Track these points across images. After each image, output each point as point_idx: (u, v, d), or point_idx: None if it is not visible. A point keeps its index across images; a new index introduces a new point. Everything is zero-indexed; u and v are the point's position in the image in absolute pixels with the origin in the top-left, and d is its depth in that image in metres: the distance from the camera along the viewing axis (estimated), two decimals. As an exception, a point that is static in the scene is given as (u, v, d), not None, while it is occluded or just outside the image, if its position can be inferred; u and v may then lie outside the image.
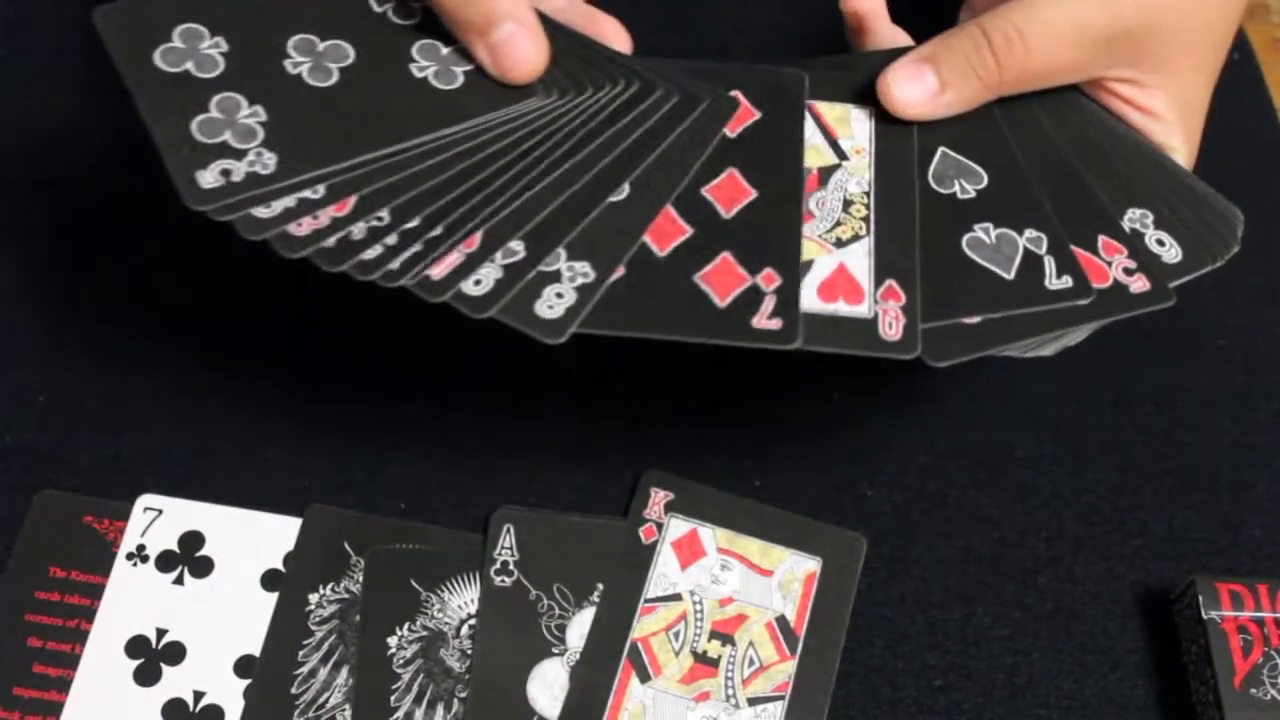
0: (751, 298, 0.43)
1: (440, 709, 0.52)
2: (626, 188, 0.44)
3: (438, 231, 0.43)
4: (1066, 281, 0.45)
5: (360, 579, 0.54)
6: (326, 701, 0.52)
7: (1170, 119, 0.49)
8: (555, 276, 0.43)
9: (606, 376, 0.60)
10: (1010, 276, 0.45)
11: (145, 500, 0.55)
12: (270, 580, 0.54)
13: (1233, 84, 0.70)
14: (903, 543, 0.57)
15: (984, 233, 0.45)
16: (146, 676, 0.52)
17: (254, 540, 0.55)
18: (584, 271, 0.43)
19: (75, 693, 0.51)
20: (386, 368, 0.60)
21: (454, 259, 0.43)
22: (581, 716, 0.52)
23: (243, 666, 0.52)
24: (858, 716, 0.53)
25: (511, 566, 0.54)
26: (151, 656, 0.52)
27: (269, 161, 0.43)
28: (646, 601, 0.54)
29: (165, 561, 0.54)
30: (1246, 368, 0.62)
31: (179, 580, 0.54)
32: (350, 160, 0.43)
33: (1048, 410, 0.60)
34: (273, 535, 0.55)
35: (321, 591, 0.54)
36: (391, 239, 0.42)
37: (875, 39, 0.52)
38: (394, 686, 0.52)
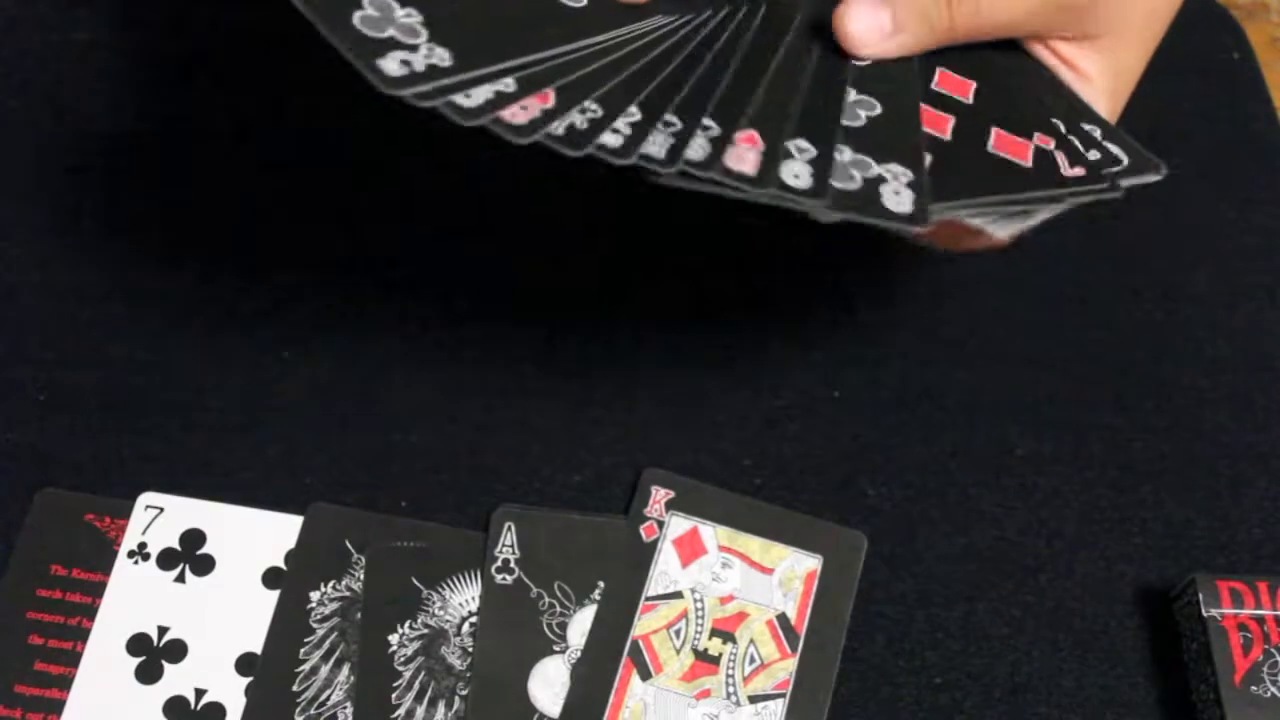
0: (1045, 157, 0.46)
1: (441, 707, 0.52)
2: (871, 96, 0.47)
3: (708, 121, 0.44)
4: (1079, 171, 0.46)
5: (361, 577, 0.54)
6: (328, 699, 0.52)
7: (1100, 85, 0.49)
8: (880, 178, 0.44)
9: (607, 375, 0.60)
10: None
11: (146, 498, 0.55)
12: (272, 578, 0.54)
13: (1233, 84, 0.71)
14: (903, 541, 0.57)
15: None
16: (148, 674, 0.52)
17: (255, 538, 0.55)
18: (897, 171, 0.45)
19: (77, 690, 0.52)
20: (387, 366, 0.60)
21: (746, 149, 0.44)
22: (583, 714, 0.52)
23: (244, 664, 0.52)
24: (858, 714, 0.53)
25: (513, 564, 0.54)
26: (153, 654, 0.52)
27: (444, 55, 0.43)
28: (647, 599, 0.54)
29: (167, 559, 0.54)
30: (1246, 368, 0.62)
31: (180, 578, 0.54)
32: (517, 60, 0.44)
33: (1048, 409, 0.60)
34: (274, 533, 0.55)
35: (323, 589, 0.54)
36: (621, 124, 0.43)
37: None
38: (395, 684, 0.52)
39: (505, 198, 0.64)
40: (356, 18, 0.43)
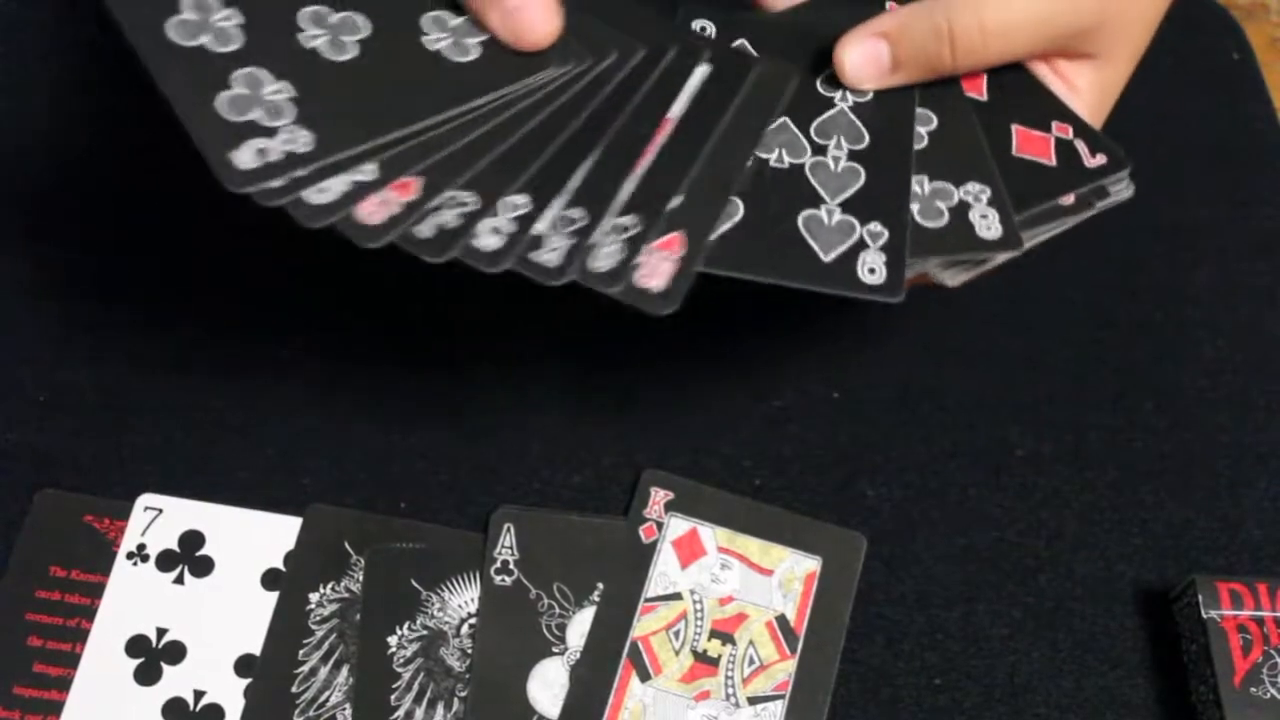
0: (1066, 148, 0.46)
1: (440, 708, 0.52)
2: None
3: (560, 209, 0.41)
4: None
5: (360, 578, 0.54)
6: (327, 700, 0.52)
7: (1088, 97, 0.50)
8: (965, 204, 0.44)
9: (606, 376, 0.60)
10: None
11: (146, 499, 0.55)
12: (271, 579, 0.54)
13: (1233, 84, 0.71)
14: (902, 542, 0.57)
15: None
16: (147, 675, 0.52)
17: (254, 539, 0.55)
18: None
19: (76, 692, 0.51)
20: (387, 367, 0.60)
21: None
22: (582, 715, 0.52)
23: (243, 665, 0.52)
24: (858, 715, 0.53)
25: (512, 566, 0.54)
26: (152, 655, 0.52)
27: (304, 139, 0.40)
28: (647, 600, 0.54)
29: (166, 561, 0.54)
30: (1246, 368, 0.62)
31: (179, 579, 0.54)
32: (389, 136, 0.41)
33: (1048, 409, 0.60)
34: (273, 534, 0.55)
35: (322, 591, 0.54)
36: (501, 221, 0.41)
37: None
38: (394, 685, 0.52)
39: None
40: (221, 99, 0.40)
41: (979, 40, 0.46)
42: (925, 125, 0.47)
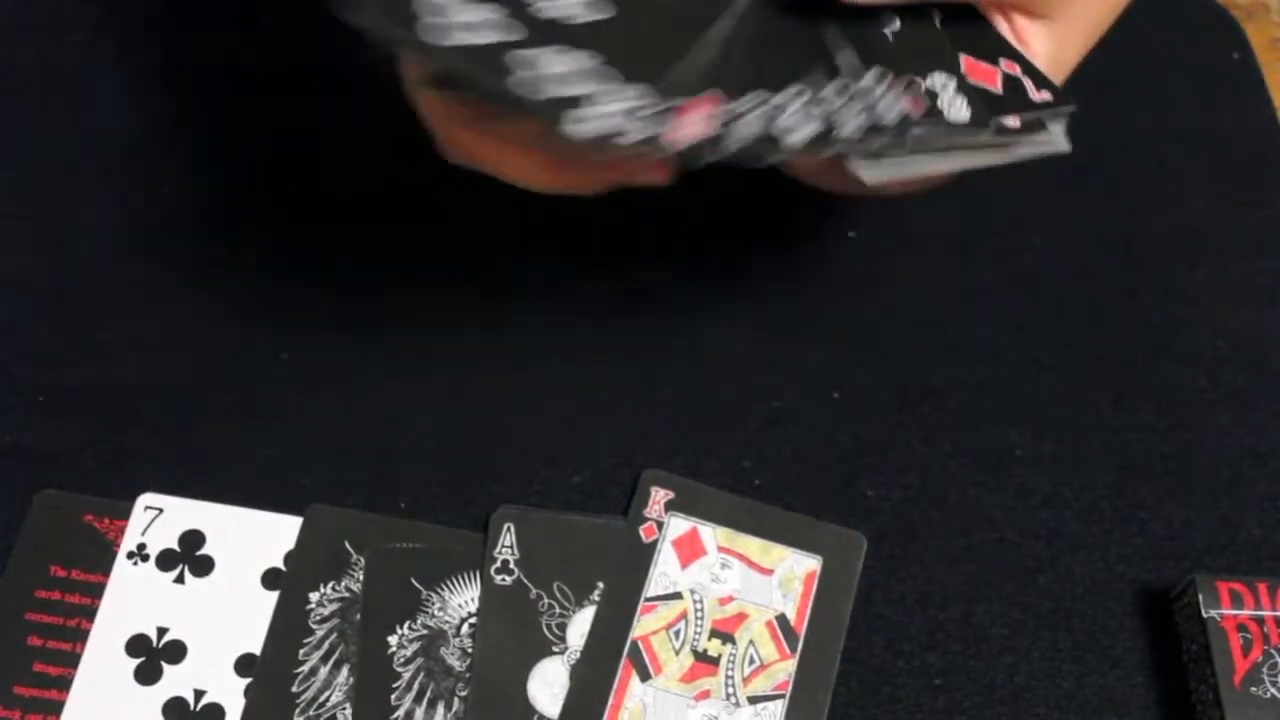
0: (1013, 83, 0.46)
1: (441, 708, 0.52)
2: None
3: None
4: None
5: (361, 578, 0.54)
6: (327, 700, 0.52)
7: (1041, 62, 0.50)
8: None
9: (607, 376, 0.60)
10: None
11: (146, 499, 0.55)
12: (271, 579, 0.54)
13: (1233, 84, 0.71)
14: (903, 541, 0.57)
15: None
16: (147, 675, 0.52)
17: (254, 539, 0.55)
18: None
19: (76, 691, 0.51)
20: (387, 366, 0.60)
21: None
22: (582, 715, 0.52)
23: (243, 665, 0.52)
24: (857, 715, 0.53)
25: (512, 565, 0.54)
26: (152, 655, 0.52)
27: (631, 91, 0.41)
28: (647, 600, 0.54)
29: (166, 560, 0.54)
30: (1246, 368, 0.62)
31: (179, 579, 0.54)
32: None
33: (1047, 409, 0.60)
34: (273, 534, 0.55)
35: (322, 590, 0.54)
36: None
37: None
38: (394, 685, 0.52)
39: (505, 198, 0.63)
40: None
41: None
42: (889, 27, 0.47)
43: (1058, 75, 0.50)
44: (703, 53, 0.43)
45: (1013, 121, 0.46)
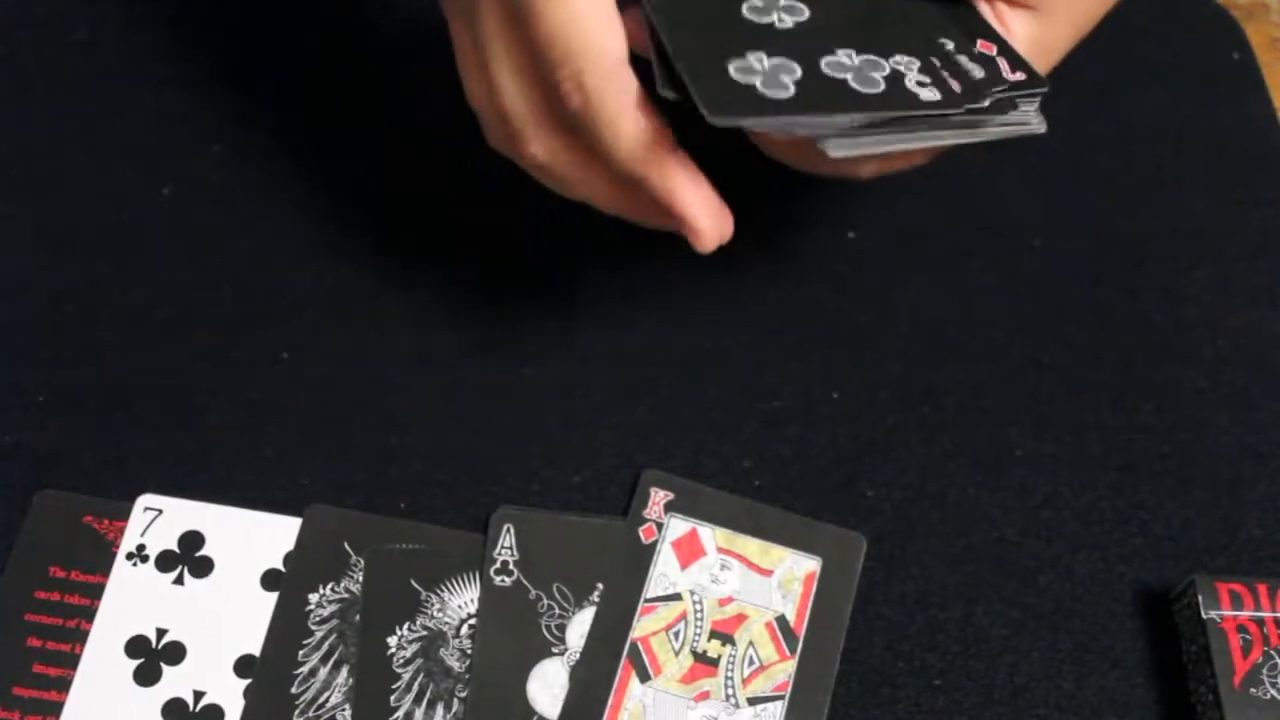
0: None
1: (440, 709, 0.52)
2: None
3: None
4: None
5: (360, 579, 0.54)
6: (326, 701, 0.52)
7: (1024, 48, 0.50)
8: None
9: (606, 376, 0.60)
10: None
11: (145, 500, 0.55)
12: (270, 580, 0.54)
13: (1233, 84, 0.71)
14: (902, 542, 0.57)
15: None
16: (146, 676, 0.52)
17: (254, 540, 0.55)
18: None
19: (75, 692, 0.51)
20: (386, 368, 0.60)
21: None
22: (581, 716, 0.52)
23: (243, 666, 0.52)
24: (857, 716, 0.53)
25: (511, 566, 0.54)
26: (151, 656, 0.52)
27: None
28: (646, 601, 0.54)
29: (165, 561, 0.54)
30: (1246, 368, 0.62)
31: (179, 580, 0.54)
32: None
33: (1047, 409, 0.60)
34: (273, 535, 0.55)
35: (321, 591, 0.54)
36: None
37: None
38: (394, 686, 0.52)
39: (505, 199, 0.63)
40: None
41: None
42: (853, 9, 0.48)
43: (1042, 63, 0.50)
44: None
45: (982, 102, 0.46)
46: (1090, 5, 0.50)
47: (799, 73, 0.43)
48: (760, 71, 0.43)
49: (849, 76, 0.44)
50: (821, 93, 0.43)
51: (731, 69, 0.43)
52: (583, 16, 0.43)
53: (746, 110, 0.42)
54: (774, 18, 0.46)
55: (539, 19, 0.43)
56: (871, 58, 0.44)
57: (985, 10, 0.50)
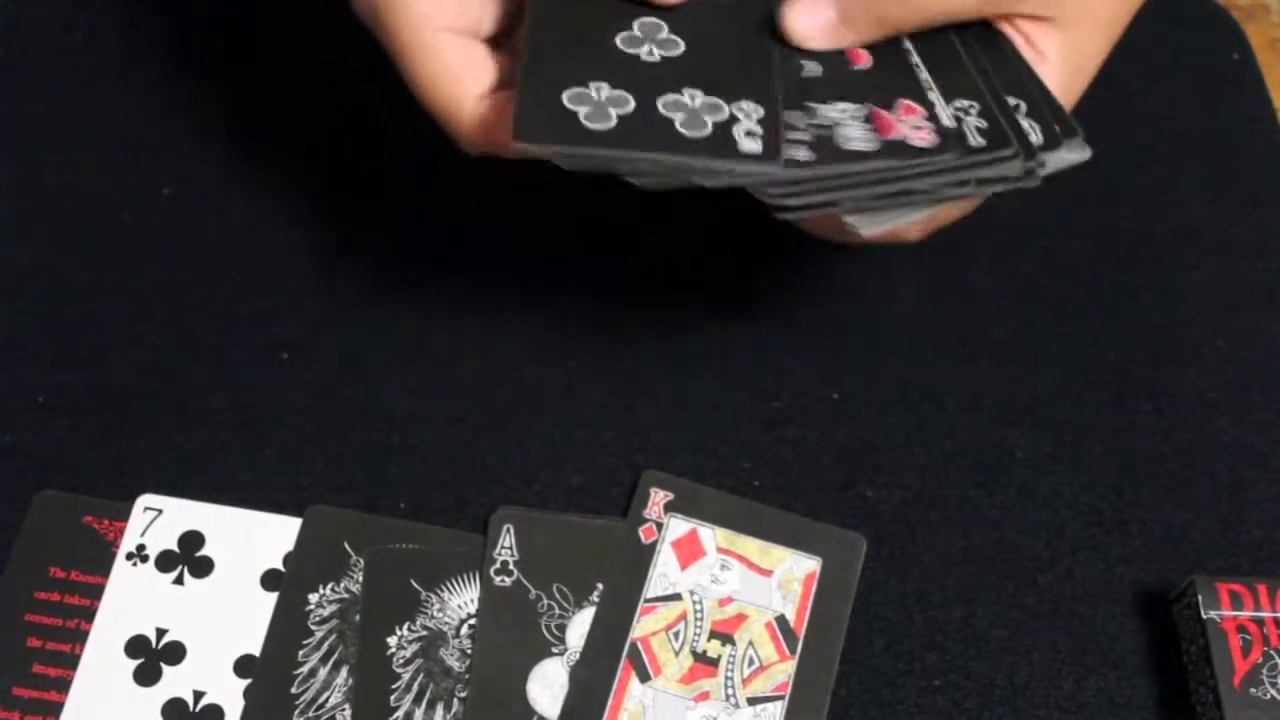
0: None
1: (440, 709, 0.52)
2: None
3: None
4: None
5: (360, 579, 0.54)
6: (326, 701, 0.52)
7: (1057, 67, 0.49)
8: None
9: (606, 377, 0.60)
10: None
11: (145, 500, 0.55)
12: (270, 580, 0.54)
13: (1233, 84, 0.71)
14: (902, 543, 0.57)
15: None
16: (146, 676, 0.52)
17: (254, 540, 0.55)
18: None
19: (75, 693, 0.51)
20: (386, 368, 0.60)
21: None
22: (581, 716, 0.52)
23: (243, 666, 0.52)
24: (857, 716, 0.53)
25: (511, 566, 0.54)
26: (151, 656, 0.52)
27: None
28: (646, 601, 0.54)
29: (165, 561, 0.54)
30: (1246, 368, 0.62)
31: (179, 580, 0.54)
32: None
33: (1047, 410, 0.60)
34: (272, 535, 0.55)
35: (321, 591, 0.54)
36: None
37: None
38: (394, 686, 0.52)
39: (505, 198, 0.64)
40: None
41: None
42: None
43: (1078, 77, 0.50)
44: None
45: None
46: (1119, 11, 0.50)
47: (631, 107, 0.44)
48: (592, 101, 0.44)
49: (679, 117, 0.44)
50: (641, 131, 0.43)
51: (565, 96, 0.44)
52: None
53: (555, 138, 0.43)
54: (644, 49, 0.46)
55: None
56: (715, 101, 0.44)
57: (1016, 39, 0.49)
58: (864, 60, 0.48)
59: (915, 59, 0.48)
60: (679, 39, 0.47)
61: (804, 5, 0.47)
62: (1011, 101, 0.47)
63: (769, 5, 0.48)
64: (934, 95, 0.47)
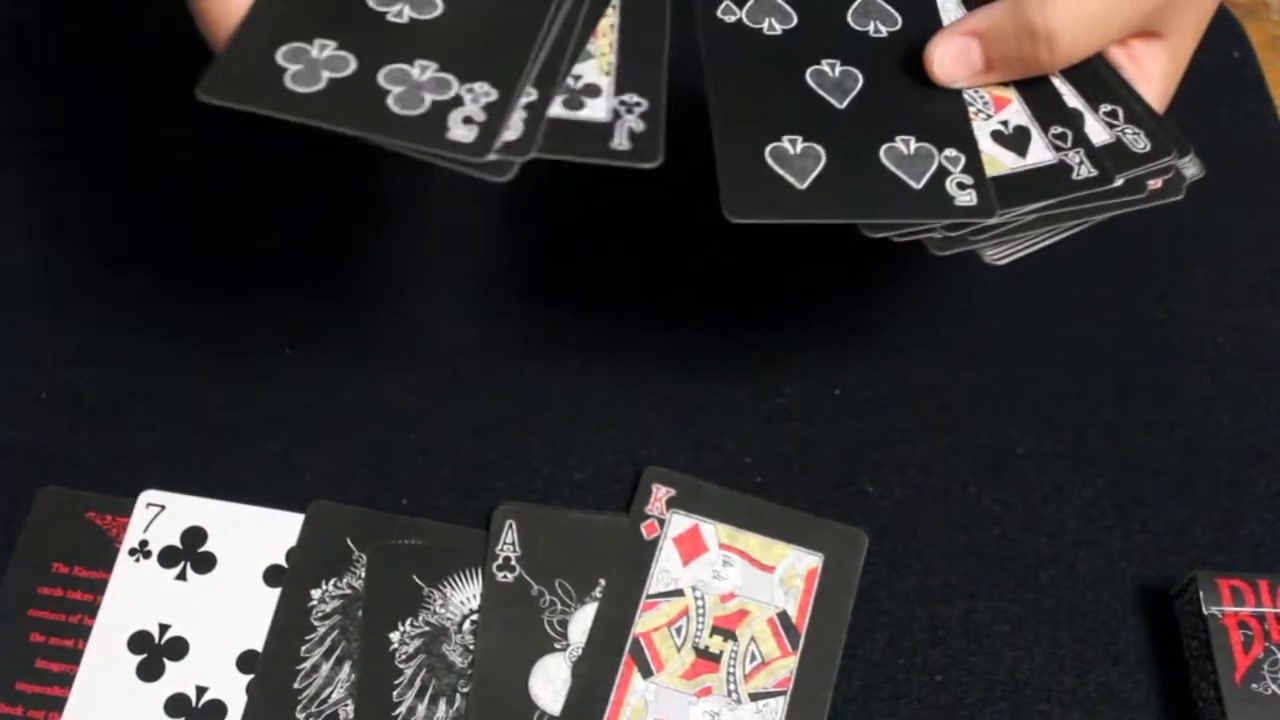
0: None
1: (442, 704, 0.52)
2: None
3: None
4: (970, 199, 0.44)
5: (362, 574, 0.54)
6: (329, 697, 0.52)
7: (1159, 85, 0.50)
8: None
9: (608, 373, 0.60)
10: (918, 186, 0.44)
11: (148, 496, 0.55)
12: (272, 576, 0.54)
13: (1233, 84, 0.71)
14: (904, 538, 0.57)
15: (903, 144, 0.45)
16: (149, 672, 0.52)
17: (256, 536, 0.55)
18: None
19: (78, 688, 0.51)
20: (389, 363, 0.60)
21: None
22: (584, 712, 0.52)
23: (245, 662, 0.52)
24: (859, 712, 0.53)
25: (514, 562, 0.54)
26: (154, 652, 0.52)
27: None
28: (648, 597, 0.54)
29: (168, 557, 0.54)
30: (1246, 366, 0.62)
31: (181, 576, 0.54)
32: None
33: (1049, 406, 0.60)
34: (275, 531, 0.55)
35: (324, 587, 0.54)
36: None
37: None
38: (396, 682, 0.52)
39: (505, 198, 0.64)
40: None
41: (1078, 32, 0.45)
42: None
43: (1174, 84, 0.50)
44: None
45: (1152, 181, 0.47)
46: (1206, 14, 0.50)
47: (348, 72, 0.41)
48: (308, 60, 0.41)
49: (395, 91, 0.41)
50: (345, 101, 0.41)
51: (280, 51, 0.41)
52: None
53: (247, 98, 0.40)
54: (395, 8, 0.43)
55: None
56: (445, 77, 0.42)
57: (1120, 59, 0.49)
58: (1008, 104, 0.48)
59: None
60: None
61: (948, 41, 0.47)
62: (1131, 130, 0.47)
63: None
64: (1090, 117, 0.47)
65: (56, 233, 0.63)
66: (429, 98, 0.41)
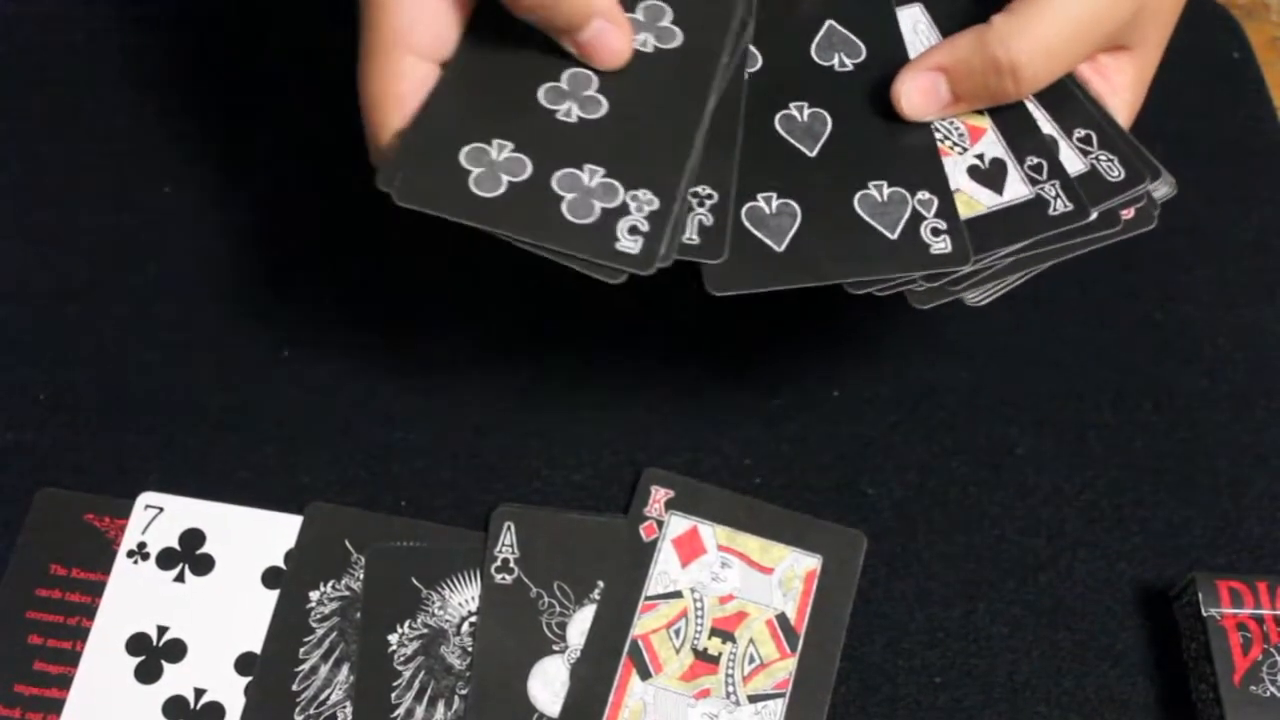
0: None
1: (441, 706, 0.52)
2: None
3: None
4: (945, 246, 0.44)
5: (361, 576, 0.54)
6: (327, 699, 0.52)
7: (1126, 96, 0.50)
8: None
9: (607, 375, 0.60)
10: (893, 236, 0.44)
11: (146, 498, 0.55)
12: (271, 578, 0.54)
13: (1233, 84, 0.71)
14: (903, 540, 0.57)
15: (876, 190, 0.45)
16: (147, 674, 0.52)
17: (255, 538, 0.55)
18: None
19: (76, 690, 0.52)
20: (387, 365, 0.60)
21: None
22: (582, 714, 0.52)
23: (244, 664, 0.52)
24: (858, 713, 0.53)
25: (512, 564, 0.54)
26: (152, 654, 0.52)
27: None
28: (647, 599, 0.54)
29: (166, 559, 0.54)
30: (1246, 367, 0.62)
31: (180, 578, 0.54)
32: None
33: (1048, 408, 0.60)
34: (273, 533, 0.55)
35: (322, 589, 0.54)
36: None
37: None
38: (395, 684, 0.52)
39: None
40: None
41: (1043, 64, 0.46)
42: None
43: (1141, 96, 0.50)
44: None
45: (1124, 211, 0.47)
46: (1170, 23, 0.50)
47: (525, 175, 0.42)
48: (489, 162, 0.42)
49: (569, 199, 0.42)
50: (524, 208, 0.41)
51: (463, 152, 0.42)
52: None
53: (436, 203, 0.41)
54: (563, 107, 0.44)
55: None
56: (612, 183, 0.42)
57: (1087, 73, 0.49)
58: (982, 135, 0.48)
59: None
60: (603, 98, 0.44)
61: (919, 84, 0.47)
62: (1105, 157, 0.47)
63: (710, 48, 0.45)
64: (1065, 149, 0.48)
65: (56, 233, 0.63)
66: (598, 205, 0.42)
